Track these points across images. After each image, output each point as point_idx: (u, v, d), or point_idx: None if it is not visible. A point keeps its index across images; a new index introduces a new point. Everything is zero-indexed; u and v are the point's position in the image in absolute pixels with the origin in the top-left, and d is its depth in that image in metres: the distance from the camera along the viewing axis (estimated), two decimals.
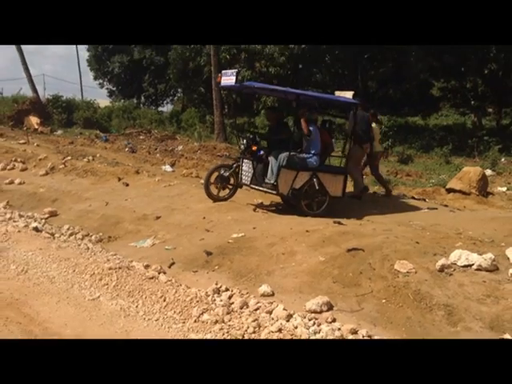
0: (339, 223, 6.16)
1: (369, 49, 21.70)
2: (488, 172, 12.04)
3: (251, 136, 7.67)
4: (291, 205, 7.41)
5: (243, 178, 7.56)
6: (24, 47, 26.02)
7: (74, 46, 37.65)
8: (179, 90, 33.89)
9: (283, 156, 7.00)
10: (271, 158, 7.15)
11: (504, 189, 10.78)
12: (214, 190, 7.59)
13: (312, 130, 7.20)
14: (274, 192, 7.13)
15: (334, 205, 7.52)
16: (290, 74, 23.05)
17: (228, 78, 6.98)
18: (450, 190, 10.01)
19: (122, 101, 33.66)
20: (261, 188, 7.26)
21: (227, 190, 7.73)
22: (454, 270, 4.54)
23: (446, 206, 8.73)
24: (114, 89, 37.11)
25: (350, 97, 7.77)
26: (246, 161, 7.53)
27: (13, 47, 25.42)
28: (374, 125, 8.50)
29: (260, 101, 22.69)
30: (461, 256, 4.66)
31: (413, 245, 5.11)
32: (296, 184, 7.04)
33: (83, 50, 68.44)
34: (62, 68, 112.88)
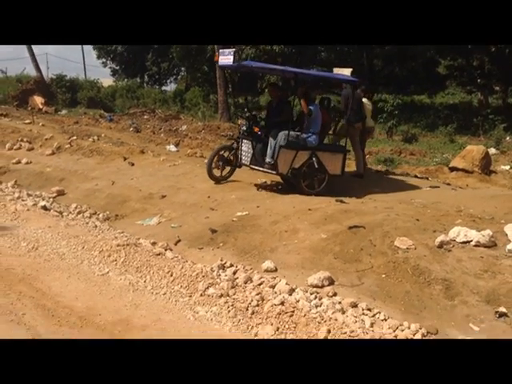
0: (341, 201, 6.26)
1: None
2: (492, 150, 12.05)
3: (252, 117, 7.71)
4: (291, 184, 7.48)
5: (243, 158, 7.60)
6: None
7: None
8: (182, 68, 33.64)
9: (282, 135, 7.02)
10: (270, 138, 7.18)
11: (507, 167, 10.80)
12: (216, 172, 7.69)
13: (313, 109, 7.23)
14: (274, 172, 7.18)
15: (337, 183, 7.61)
16: (294, 52, 22.83)
17: (226, 58, 6.95)
18: (452, 169, 10.07)
19: (126, 80, 33.51)
20: (261, 168, 7.31)
21: (227, 170, 7.80)
22: (453, 246, 4.66)
23: (448, 184, 8.79)
24: (118, 68, 36.88)
25: (349, 74, 7.78)
26: (245, 141, 7.55)
27: None
28: (365, 100, 8.47)
29: (264, 79, 22.55)
30: (460, 232, 4.77)
31: (413, 222, 5.21)
32: (295, 163, 7.06)
33: None
34: (64, 47, 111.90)
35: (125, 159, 9.24)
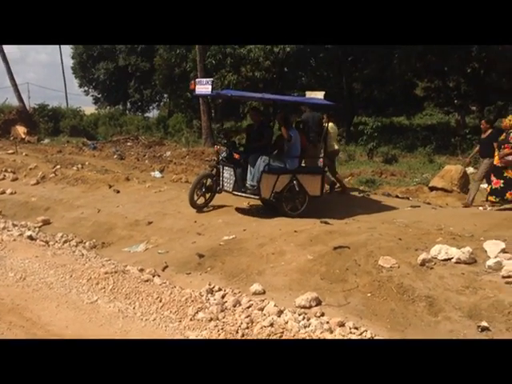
0: (326, 223, 6.39)
1: (352, 51, 22.06)
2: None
3: (231, 144, 7.75)
4: (272, 207, 7.54)
5: (225, 185, 7.61)
6: (8, 56, 25.90)
7: (58, 53, 37.56)
8: (165, 95, 33.97)
9: (263, 160, 7.14)
10: (250, 163, 7.28)
11: (485, 185, 11.09)
12: (197, 200, 7.71)
13: (292, 135, 7.39)
14: (257, 197, 7.29)
15: (321, 205, 7.77)
16: (275, 78, 23.31)
17: (203, 87, 7.00)
18: (432, 188, 10.32)
19: (108, 107, 33.66)
20: (244, 194, 7.38)
21: (206, 196, 7.81)
22: (435, 263, 4.80)
23: (428, 203, 9.01)
24: (100, 96, 37.06)
25: (321, 97, 7.96)
26: (226, 168, 7.57)
27: None
28: (330, 124, 8.64)
29: (246, 104, 22.90)
30: (441, 250, 4.93)
31: (396, 241, 5.36)
32: (277, 187, 7.18)
33: (67, 58, 68.22)
34: (45, 76, 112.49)
35: (110, 187, 9.29)
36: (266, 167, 7.11)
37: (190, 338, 4.01)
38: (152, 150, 17.42)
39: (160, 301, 4.61)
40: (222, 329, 4.09)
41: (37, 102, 26.99)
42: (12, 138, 21.11)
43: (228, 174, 7.53)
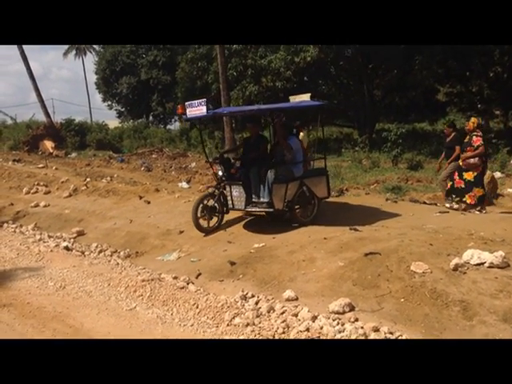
0: (355, 230, 6.44)
1: (373, 59, 22.08)
2: (497, 174, 12.22)
3: (226, 160, 7.61)
4: (275, 218, 7.44)
5: (235, 204, 7.35)
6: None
7: (79, 69, 38.57)
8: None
9: (270, 173, 7.05)
10: (252, 176, 7.19)
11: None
12: (203, 223, 7.44)
13: (292, 143, 7.34)
14: (271, 210, 7.07)
15: (348, 212, 7.82)
16: (296, 88, 23.46)
17: (196, 109, 6.74)
18: None
19: (132, 121, 34.36)
20: (257, 209, 7.23)
21: (215, 219, 7.58)
22: (468, 268, 4.82)
23: (456, 209, 8.94)
24: (123, 110, 37.91)
25: (308, 98, 7.62)
26: (234, 186, 7.33)
27: (20, 74, 26.15)
28: (301, 134, 8.63)
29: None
30: (473, 255, 4.94)
31: (427, 247, 5.38)
32: (288, 196, 7.09)
33: (90, 73, 69.79)
34: (67, 92, 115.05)
35: (140, 198, 9.52)
36: (274, 178, 7.00)
37: None
38: (177, 162, 17.71)
39: (197, 307, 4.75)
40: (258, 334, 4.19)
41: (61, 117, 27.78)
42: (40, 153, 21.73)
43: (237, 193, 7.28)
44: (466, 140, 8.40)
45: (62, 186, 11.35)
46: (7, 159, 17.78)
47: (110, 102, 37.97)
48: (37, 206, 10.25)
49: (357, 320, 4.41)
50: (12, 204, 10.73)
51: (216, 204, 7.44)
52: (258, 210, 7.24)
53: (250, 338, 4.13)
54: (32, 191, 11.53)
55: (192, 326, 4.45)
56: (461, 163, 8.32)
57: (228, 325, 4.39)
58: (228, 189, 7.37)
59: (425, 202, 9.54)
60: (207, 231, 7.43)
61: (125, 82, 34.67)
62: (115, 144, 25.89)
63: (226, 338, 4.20)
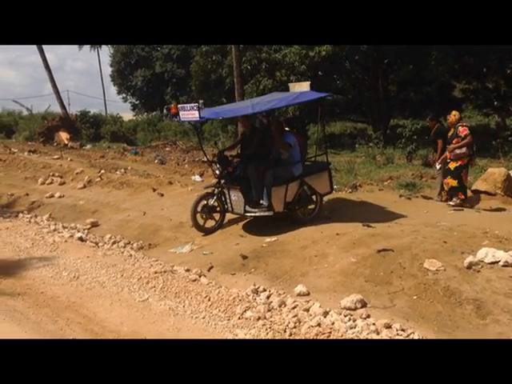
0: (368, 226, 6.41)
1: (388, 54, 21.86)
2: None
3: (223, 158, 7.40)
4: (280, 216, 7.13)
5: (234, 208, 7.18)
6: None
7: (93, 61, 38.90)
8: (201, 101, 34.50)
9: (268, 175, 6.86)
10: (250, 174, 7.00)
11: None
12: (201, 221, 7.28)
13: (291, 142, 7.09)
14: (271, 213, 6.86)
15: (361, 209, 7.78)
16: (310, 82, 23.32)
17: (189, 113, 6.58)
18: (475, 192, 10.11)
19: (146, 114, 34.49)
20: (257, 213, 6.98)
21: (215, 218, 7.40)
22: (482, 266, 4.77)
23: (471, 207, 8.85)
24: (137, 102, 38.06)
25: (307, 88, 7.41)
26: (232, 191, 7.12)
27: (35, 65, 26.44)
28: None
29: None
30: (487, 253, 4.89)
31: (441, 244, 5.35)
32: (288, 197, 6.92)
33: (105, 66, 70.22)
34: (82, 84, 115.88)
35: (154, 190, 9.57)
36: (273, 180, 6.82)
37: (239, 336, 4.14)
38: (190, 155, 17.73)
39: (208, 300, 4.78)
40: (270, 328, 4.20)
41: (76, 108, 28.00)
42: (56, 144, 21.95)
43: (236, 197, 7.09)
44: (450, 133, 8.35)
45: (77, 178, 11.45)
46: (23, 150, 18.00)
47: (124, 95, 38.12)
48: (52, 196, 10.35)
49: (368, 316, 4.40)
50: (27, 194, 10.86)
51: (215, 203, 7.27)
52: (257, 214, 6.98)
53: (261, 331, 4.15)
54: (47, 182, 11.66)
55: (204, 318, 4.49)
56: (448, 155, 8.27)
57: (239, 318, 4.42)
58: (226, 192, 7.20)
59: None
60: (207, 231, 7.28)
61: (139, 75, 34.77)
62: (129, 136, 26.01)
63: (238, 331, 4.23)
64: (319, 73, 24.12)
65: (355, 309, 4.55)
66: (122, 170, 12.56)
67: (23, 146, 20.43)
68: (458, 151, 8.08)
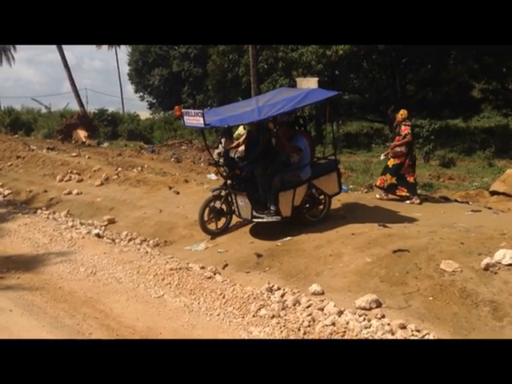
0: (384, 226, 6.37)
1: (406, 53, 21.68)
2: None
3: (229, 159, 7.32)
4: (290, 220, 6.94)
5: (241, 213, 7.04)
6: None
7: (111, 60, 39.34)
8: (217, 100, 34.64)
9: (276, 181, 6.68)
10: (257, 174, 6.87)
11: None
12: (210, 225, 7.21)
13: (302, 146, 6.88)
14: (278, 218, 6.69)
15: (377, 209, 7.74)
16: (327, 81, 23.26)
17: (193, 119, 6.43)
18: (493, 193, 10.00)
19: (162, 112, 34.76)
20: (264, 219, 6.80)
21: (223, 221, 7.31)
22: (499, 268, 4.71)
23: (489, 208, 8.73)
24: (154, 101, 38.36)
25: (315, 84, 7.14)
26: (239, 197, 6.96)
27: (54, 64, 26.83)
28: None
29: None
30: (505, 255, 4.83)
31: (458, 245, 5.29)
32: (296, 201, 6.75)
33: (123, 64, 70.79)
34: (100, 82, 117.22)
35: (170, 188, 9.64)
36: (280, 184, 6.66)
37: (254, 333, 4.17)
38: (206, 154, 17.78)
39: (223, 297, 4.81)
40: (284, 326, 4.22)
41: (94, 106, 28.38)
42: (73, 142, 22.20)
43: (243, 203, 6.92)
44: (397, 131, 8.50)
45: (94, 175, 11.58)
46: (42, 147, 18.24)
47: (141, 93, 38.52)
48: (69, 193, 10.50)
49: (383, 316, 4.38)
50: (46, 191, 11.03)
51: (223, 206, 7.19)
52: (265, 219, 6.81)
53: (276, 329, 4.17)
54: (65, 179, 11.82)
55: (218, 315, 4.52)
56: (390, 152, 8.50)
57: (254, 316, 4.44)
58: (233, 197, 7.08)
59: (456, 200, 9.36)
60: (215, 233, 7.21)
61: (157, 74, 35.04)
62: (146, 135, 26.30)
63: (252, 328, 4.25)
64: (336, 72, 24.05)
65: (370, 309, 4.53)
66: (139, 168, 12.68)
67: (42, 143, 20.71)
68: (397, 149, 8.31)
